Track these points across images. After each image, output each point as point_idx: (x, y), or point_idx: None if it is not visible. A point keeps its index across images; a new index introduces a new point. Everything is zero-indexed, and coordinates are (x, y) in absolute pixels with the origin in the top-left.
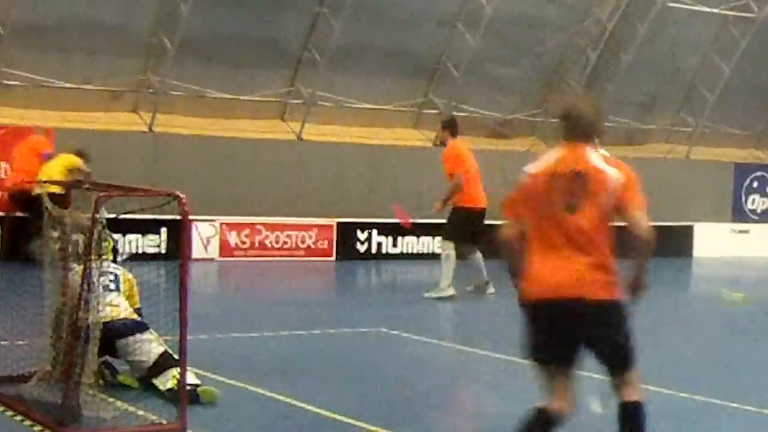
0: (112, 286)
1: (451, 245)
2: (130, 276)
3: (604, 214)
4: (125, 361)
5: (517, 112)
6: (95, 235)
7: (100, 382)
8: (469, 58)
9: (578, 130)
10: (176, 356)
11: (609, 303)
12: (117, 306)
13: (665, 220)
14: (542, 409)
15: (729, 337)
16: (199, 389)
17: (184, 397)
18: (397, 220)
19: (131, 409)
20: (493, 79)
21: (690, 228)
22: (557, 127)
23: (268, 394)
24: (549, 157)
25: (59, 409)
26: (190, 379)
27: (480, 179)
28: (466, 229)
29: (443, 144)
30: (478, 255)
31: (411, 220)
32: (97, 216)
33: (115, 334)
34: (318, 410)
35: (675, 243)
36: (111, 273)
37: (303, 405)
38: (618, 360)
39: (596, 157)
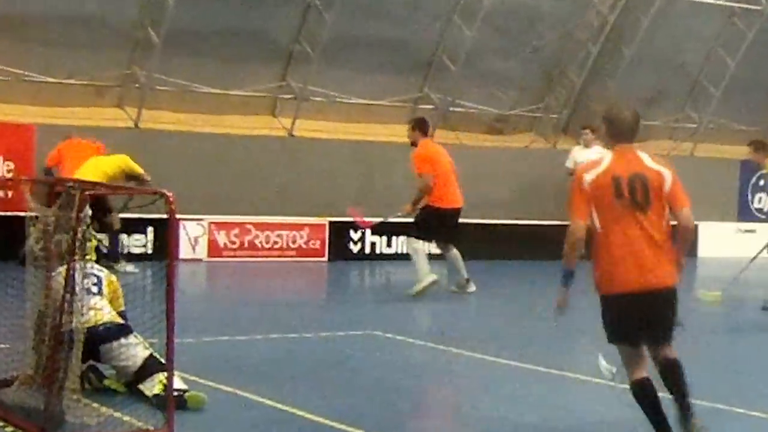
0: (95, 289)
1: (415, 241)
2: (113, 278)
3: (666, 210)
4: (110, 366)
5: (516, 108)
6: (79, 235)
7: (86, 386)
8: (465, 51)
9: (623, 133)
10: (162, 360)
11: (674, 288)
12: (100, 310)
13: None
14: (643, 378)
15: (731, 339)
16: (186, 395)
17: (171, 403)
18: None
19: (116, 414)
20: (490, 73)
21: (694, 227)
22: (602, 131)
23: (258, 399)
24: (603, 162)
25: (42, 414)
26: (177, 384)
27: (455, 178)
28: (438, 228)
29: (414, 145)
30: (455, 253)
31: (371, 220)
32: (81, 215)
33: (98, 338)
34: (310, 416)
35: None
36: (94, 275)
37: (294, 411)
38: (663, 336)
39: (648, 158)
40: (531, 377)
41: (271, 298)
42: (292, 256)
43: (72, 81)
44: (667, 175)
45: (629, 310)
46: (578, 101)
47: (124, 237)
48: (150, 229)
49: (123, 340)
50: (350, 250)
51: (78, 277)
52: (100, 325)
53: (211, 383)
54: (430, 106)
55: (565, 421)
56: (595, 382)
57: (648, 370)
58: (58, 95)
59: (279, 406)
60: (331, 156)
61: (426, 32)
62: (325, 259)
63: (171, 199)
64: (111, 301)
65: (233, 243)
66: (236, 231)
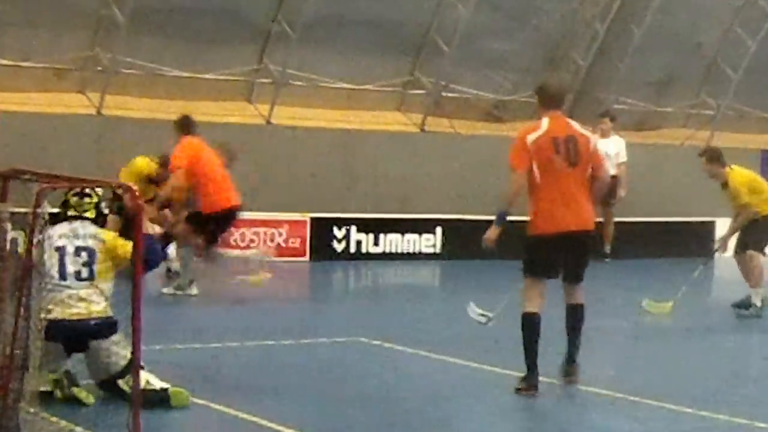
0: (85, 272)
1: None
2: (109, 236)
3: (589, 167)
4: (87, 363)
5: (515, 93)
6: (37, 233)
7: (57, 393)
8: (460, 31)
9: (553, 100)
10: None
11: (593, 232)
12: (91, 301)
13: (683, 215)
14: (535, 312)
15: (751, 348)
16: (170, 390)
17: (138, 422)
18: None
19: (78, 429)
20: (487, 55)
21: (711, 224)
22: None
23: (234, 412)
24: (542, 125)
25: None
26: (157, 383)
27: (223, 177)
28: (209, 230)
29: None
30: (189, 251)
31: None
32: (39, 210)
33: (88, 333)
34: (290, 431)
35: (694, 241)
36: (83, 250)
37: (273, 425)
38: (582, 274)
39: (576, 123)
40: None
41: (247, 301)
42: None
43: (29, 63)
44: (593, 139)
45: (559, 247)
46: (584, 86)
47: None
48: None
49: (114, 338)
50: (334, 249)
51: (52, 264)
52: (92, 319)
53: None
54: (421, 91)
55: None
56: (603, 393)
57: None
58: (13, 79)
59: (256, 419)
60: (313, 145)
61: (417, 10)
62: (307, 258)
63: (134, 192)
64: (112, 258)
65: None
66: None
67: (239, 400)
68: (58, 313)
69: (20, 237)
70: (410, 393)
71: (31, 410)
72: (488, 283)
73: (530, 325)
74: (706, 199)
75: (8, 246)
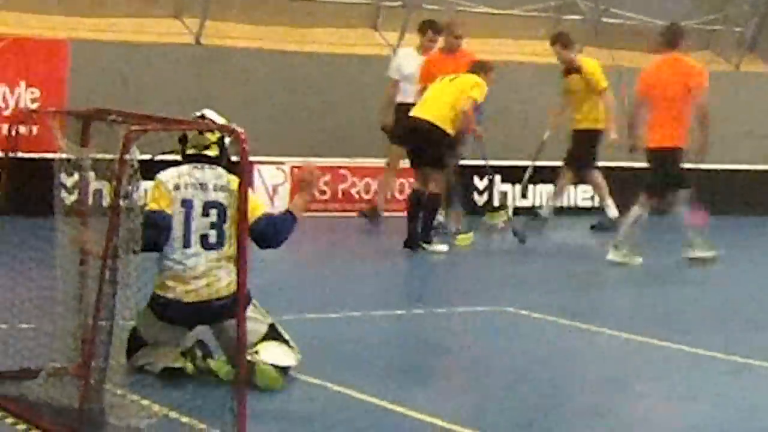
0: (213, 236)
1: None
2: (235, 185)
3: None
4: (215, 336)
5: (688, 19)
6: (125, 184)
7: (188, 367)
8: None
9: None
10: (283, 332)
11: None
12: (210, 276)
13: None
14: None
15: None
16: (256, 366)
17: (243, 406)
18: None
19: (172, 414)
20: None
21: None
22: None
23: (356, 395)
24: None
25: (76, 414)
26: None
27: None
28: None
29: None
30: None
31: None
32: (127, 157)
33: (211, 317)
34: (423, 417)
35: None
36: (213, 206)
37: (402, 410)
38: None
39: None
40: (708, 366)
41: (372, 264)
42: (399, 210)
43: None
44: None
45: None
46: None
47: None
48: None
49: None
50: (474, 202)
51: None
52: (216, 299)
53: (295, 374)
54: (577, 17)
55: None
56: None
57: None
58: (98, 3)
59: (384, 404)
60: None
61: None
62: (441, 212)
63: (242, 136)
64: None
65: (322, 193)
66: (326, 177)
67: (363, 381)
68: (175, 291)
69: (105, 188)
70: (568, 373)
71: (119, 392)
72: (657, 241)
73: None
74: None
75: (91, 199)
